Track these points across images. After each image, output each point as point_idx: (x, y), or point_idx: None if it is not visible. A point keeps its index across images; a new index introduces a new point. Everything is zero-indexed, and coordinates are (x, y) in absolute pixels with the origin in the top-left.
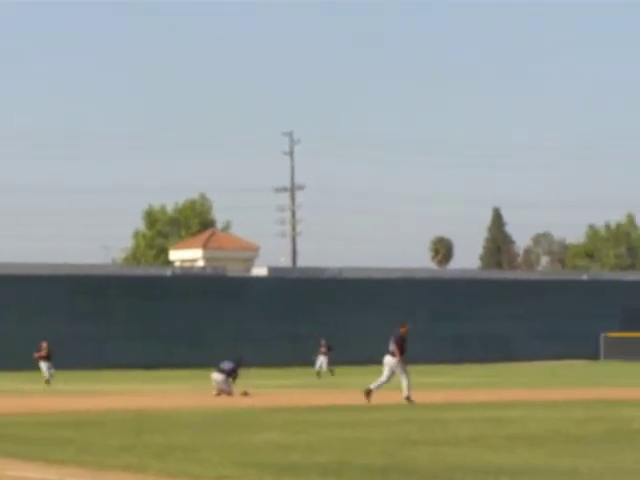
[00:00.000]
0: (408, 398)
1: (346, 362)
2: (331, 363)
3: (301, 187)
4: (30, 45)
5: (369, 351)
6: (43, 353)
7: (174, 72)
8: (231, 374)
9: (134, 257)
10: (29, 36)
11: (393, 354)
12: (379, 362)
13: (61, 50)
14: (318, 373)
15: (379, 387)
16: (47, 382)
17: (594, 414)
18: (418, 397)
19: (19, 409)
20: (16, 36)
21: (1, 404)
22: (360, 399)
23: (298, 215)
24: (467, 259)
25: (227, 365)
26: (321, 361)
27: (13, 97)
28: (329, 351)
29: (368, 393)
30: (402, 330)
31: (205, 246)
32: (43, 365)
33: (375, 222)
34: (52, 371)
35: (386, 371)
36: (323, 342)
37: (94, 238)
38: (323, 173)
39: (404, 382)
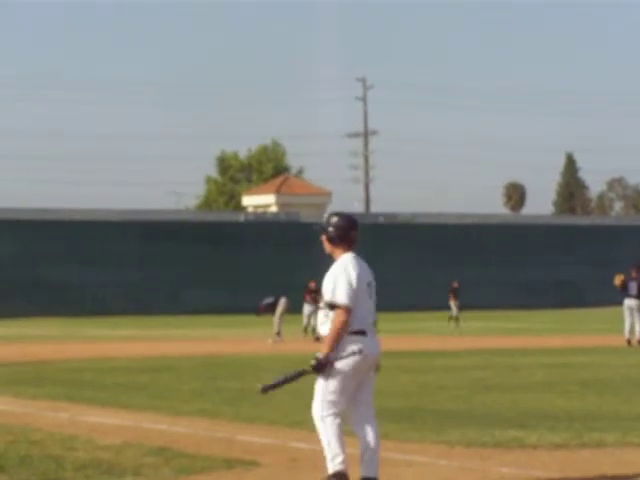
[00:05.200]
0: None
1: (416, 308)
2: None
3: (374, 133)
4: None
5: (440, 296)
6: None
7: (247, 17)
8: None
9: (206, 203)
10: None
11: (635, 296)
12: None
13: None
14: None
15: (631, 331)
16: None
17: None
18: (489, 343)
19: (94, 354)
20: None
21: (77, 350)
22: (436, 344)
23: (371, 161)
24: (540, 204)
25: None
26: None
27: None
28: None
29: (630, 342)
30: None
31: (278, 191)
32: (306, 309)
33: (448, 168)
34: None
35: (627, 314)
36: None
37: (166, 184)
38: (396, 119)
39: (638, 326)
